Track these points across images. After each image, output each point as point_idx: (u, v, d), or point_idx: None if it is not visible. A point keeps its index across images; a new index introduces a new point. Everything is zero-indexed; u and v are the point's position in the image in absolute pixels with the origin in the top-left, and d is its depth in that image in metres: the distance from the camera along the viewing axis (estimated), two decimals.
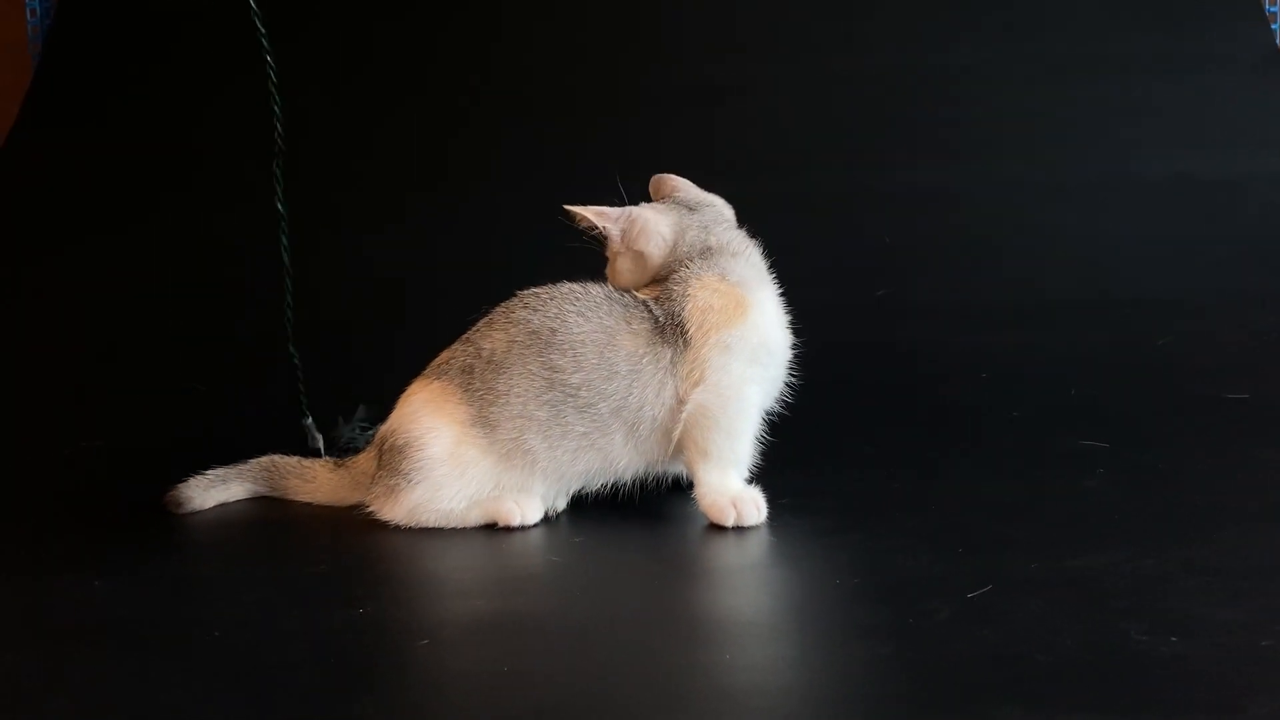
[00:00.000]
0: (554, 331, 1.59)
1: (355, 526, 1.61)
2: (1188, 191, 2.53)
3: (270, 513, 1.69)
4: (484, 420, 1.58)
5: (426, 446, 1.59)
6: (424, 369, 1.66)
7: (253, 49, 2.79)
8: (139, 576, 1.49)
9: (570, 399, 1.57)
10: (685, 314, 1.59)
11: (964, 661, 1.14)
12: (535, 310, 1.62)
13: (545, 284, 1.65)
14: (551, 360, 1.58)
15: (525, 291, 1.65)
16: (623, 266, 1.68)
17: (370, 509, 1.62)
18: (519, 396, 1.58)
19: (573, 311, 1.60)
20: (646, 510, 1.63)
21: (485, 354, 1.61)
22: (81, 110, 3.14)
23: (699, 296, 1.59)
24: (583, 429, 1.57)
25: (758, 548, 1.51)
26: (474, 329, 1.65)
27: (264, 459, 1.74)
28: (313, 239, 2.74)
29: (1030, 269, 2.49)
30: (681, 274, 1.62)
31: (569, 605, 1.38)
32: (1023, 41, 2.76)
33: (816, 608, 1.35)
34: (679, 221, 1.67)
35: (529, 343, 1.59)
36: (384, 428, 1.65)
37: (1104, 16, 2.77)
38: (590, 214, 1.66)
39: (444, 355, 1.65)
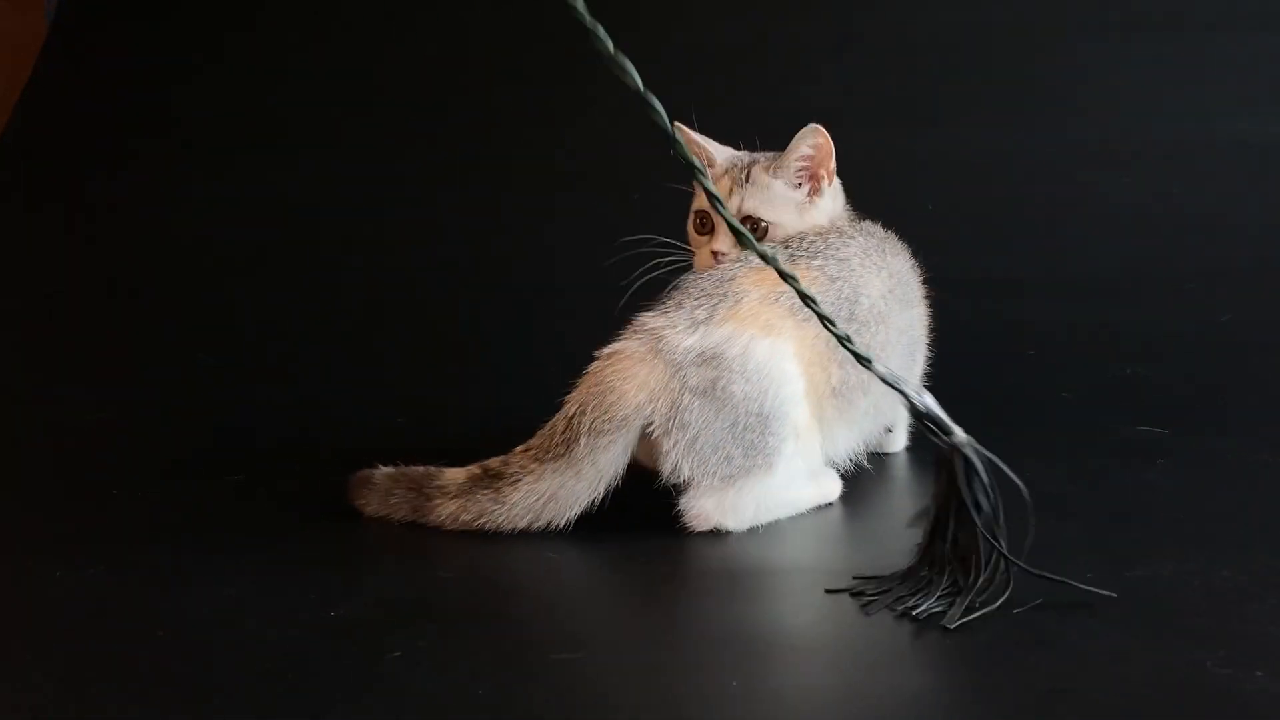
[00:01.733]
0: (910, 284, 1.49)
1: (351, 517, 1.44)
2: (1255, 157, 2.33)
3: (268, 501, 1.55)
4: (857, 386, 1.37)
5: (791, 414, 1.32)
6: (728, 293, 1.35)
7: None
8: (112, 567, 1.34)
9: (911, 357, 1.50)
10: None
11: (1013, 694, 0.97)
12: (895, 254, 1.49)
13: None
14: (912, 315, 1.49)
15: (850, 219, 1.51)
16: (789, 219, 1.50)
17: (686, 513, 1.34)
18: (894, 361, 1.39)
19: (906, 260, 1.52)
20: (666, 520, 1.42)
21: (865, 305, 1.39)
22: (94, 77, 3.03)
23: None
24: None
25: (780, 550, 1.34)
26: (816, 253, 1.39)
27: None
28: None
29: (1083, 239, 2.30)
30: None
31: (567, 618, 1.22)
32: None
33: (846, 625, 1.16)
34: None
35: (900, 294, 1.46)
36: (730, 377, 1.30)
37: None
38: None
39: (756, 286, 1.34)
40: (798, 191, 1.50)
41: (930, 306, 1.59)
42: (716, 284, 1.35)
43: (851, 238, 1.44)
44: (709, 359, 1.29)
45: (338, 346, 2.29)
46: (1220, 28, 2.46)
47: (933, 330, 1.61)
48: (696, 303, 1.33)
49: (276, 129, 2.78)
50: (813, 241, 1.42)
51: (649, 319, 1.34)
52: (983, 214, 2.36)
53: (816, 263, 1.38)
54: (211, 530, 1.47)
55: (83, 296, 2.57)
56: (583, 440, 1.29)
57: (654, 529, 1.36)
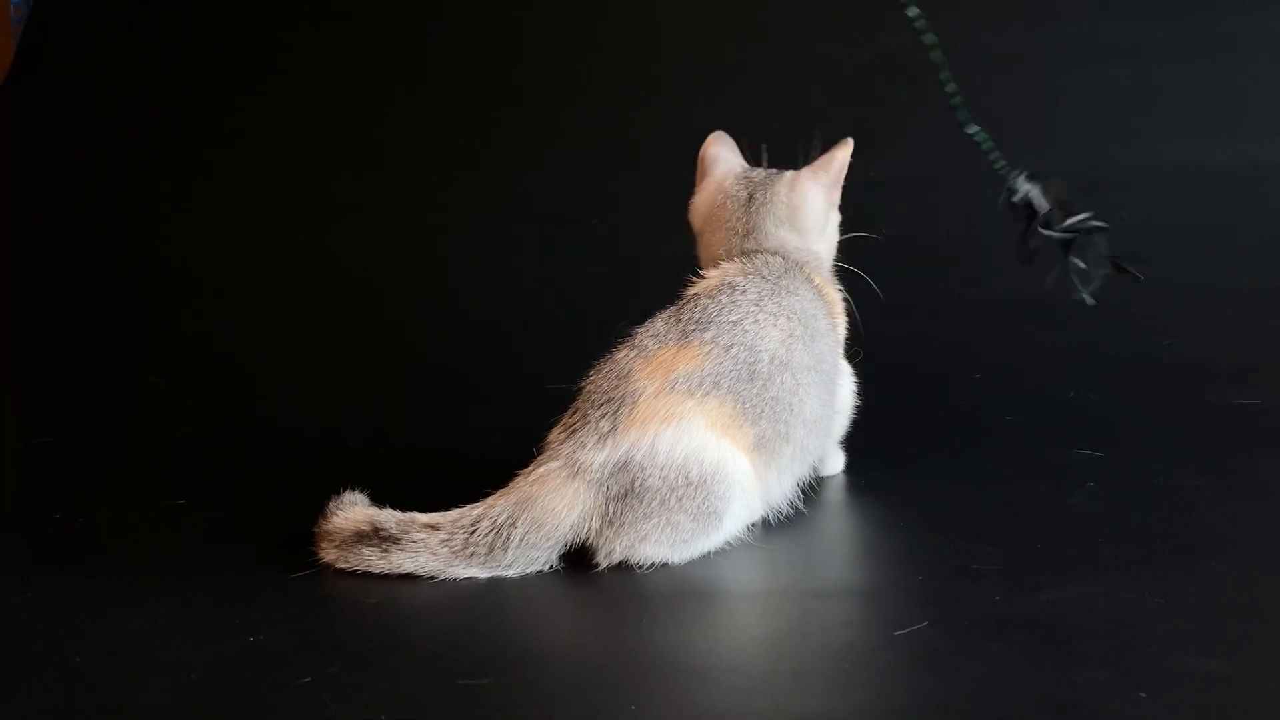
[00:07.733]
0: (814, 316, 1.45)
1: (287, 543, 1.42)
2: (1201, 181, 2.36)
3: (208, 526, 1.55)
4: (776, 436, 1.38)
5: (732, 474, 1.34)
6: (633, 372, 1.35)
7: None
8: (44, 592, 1.35)
9: (828, 390, 1.47)
10: (830, 297, 1.53)
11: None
12: (792, 293, 1.44)
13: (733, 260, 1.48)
14: (818, 349, 1.44)
15: (742, 266, 1.45)
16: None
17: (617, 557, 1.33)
18: (809, 401, 1.41)
19: (807, 291, 1.47)
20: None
21: (765, 359, 1.37)
22: (59, 98, 3.05)
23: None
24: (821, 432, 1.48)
25: (705, 573, 1.36)
26: (708, 322, 1.38)
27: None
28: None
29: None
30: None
31: (482, 643, 1.22)
32: (1031, 26, 2.59)
33: (741, 650, 1.18)
34: None
35: (801, 333, 1.41)
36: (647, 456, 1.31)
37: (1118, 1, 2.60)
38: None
39: (678, 357, 1.35)
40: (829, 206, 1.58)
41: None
42: (615, 384, 1.35)
43: (744, 290, 1.42)
44: (622, 467, 1.31)
45: (292, 370, 2.30)
46: (1172, 56, 2.49)
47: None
48: (600, 412, 1.34)
49: (237, 151, 2.81)
50: (705, 308, 1.40)
51: (558, 444, 1.35)
52: (932, 237, 2.38)
53: (709, 335, 1.37)
54: (147, 556, 1.48)
55: (31, 316, 2.58)
56: (511, 550, 1.31)
57: (581, 553, 1.36)
